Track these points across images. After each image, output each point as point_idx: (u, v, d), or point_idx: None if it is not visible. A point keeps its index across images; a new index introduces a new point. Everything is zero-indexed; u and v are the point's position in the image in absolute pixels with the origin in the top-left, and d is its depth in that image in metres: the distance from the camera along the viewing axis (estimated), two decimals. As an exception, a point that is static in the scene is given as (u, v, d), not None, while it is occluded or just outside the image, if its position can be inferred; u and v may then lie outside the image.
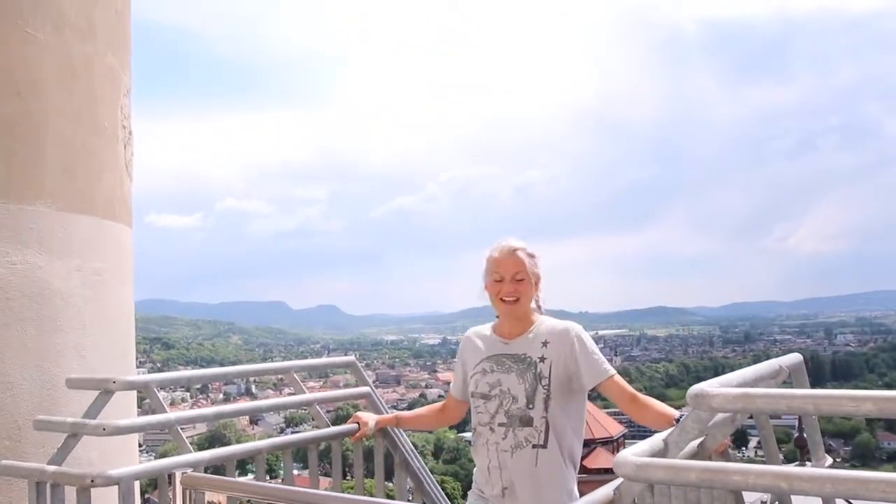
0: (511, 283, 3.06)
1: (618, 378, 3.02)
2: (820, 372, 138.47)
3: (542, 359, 3.00)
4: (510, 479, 3.02)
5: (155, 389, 3.32)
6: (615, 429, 53.69)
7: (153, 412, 3.35)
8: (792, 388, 2.81)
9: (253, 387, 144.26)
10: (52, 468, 2.79)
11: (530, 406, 2.98)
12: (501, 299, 3.07)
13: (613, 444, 50.80)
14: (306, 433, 3.56)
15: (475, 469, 3.18)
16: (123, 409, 3.61)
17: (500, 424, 3.02)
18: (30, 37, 3.32)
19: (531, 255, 3.11)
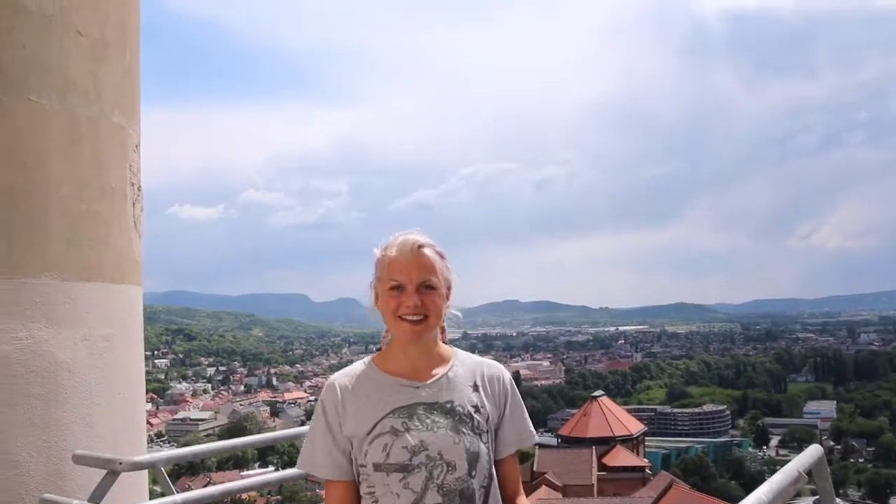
0: (415, 293, 2.06)
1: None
2: (843, 371, 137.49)
3: (478, 408, 2.10)
4: None
5: (162, 469, 3.23)
6: (635, 426, 53.67)
7: (161, 494, 3.24)
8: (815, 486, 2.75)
9: (274, 379, 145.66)
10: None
11: (472, 474, 2.04)
12: (401, 317, 2.07)
13: (633, 442, 50.76)
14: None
15: None
16: (134, 482, 3.53)
17: None
18: (34, 105, 3.24)
19: (440, 255, 2.14)
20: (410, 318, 2.06)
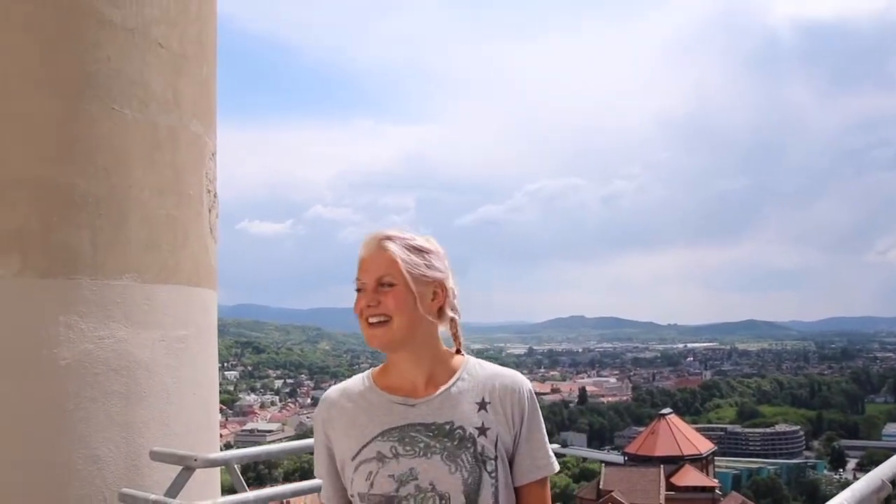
0: (373, 292, 1.76)
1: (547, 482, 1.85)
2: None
3: (483, 430, 1.75)
4: None
5: (235, 467, 3.33)
6: (704, 446, 52.61)
7: (233, 491, 3.34)
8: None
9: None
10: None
11: None
12: (367, 320, 1.77)
13: (702, 462, 49.73)
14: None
15: None
16: (208, 478, 3.64)
17: None
18: (116, 114, 3.39)
19: (416, 249, 1.79)
20: (370, 320, 1.76)
